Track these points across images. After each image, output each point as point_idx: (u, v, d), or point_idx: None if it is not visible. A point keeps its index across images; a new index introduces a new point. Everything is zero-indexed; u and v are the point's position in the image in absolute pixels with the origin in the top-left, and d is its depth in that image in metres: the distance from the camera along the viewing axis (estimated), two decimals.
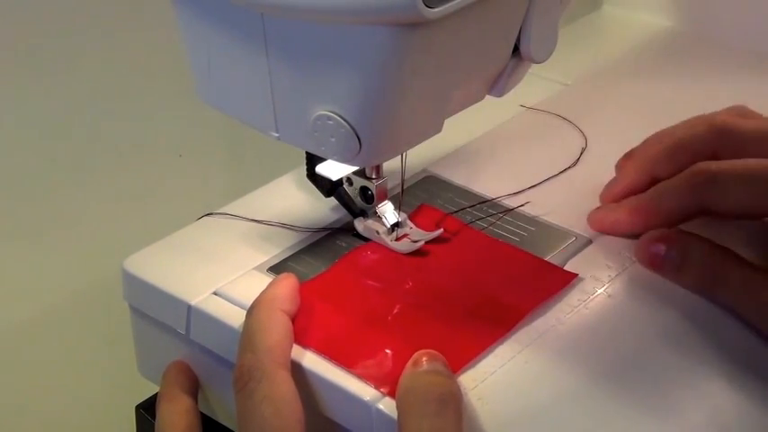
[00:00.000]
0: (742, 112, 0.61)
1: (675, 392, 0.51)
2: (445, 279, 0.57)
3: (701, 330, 0.54)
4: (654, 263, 0.56)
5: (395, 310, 0.55)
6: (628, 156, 0.63)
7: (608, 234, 0.60)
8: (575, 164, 0.67)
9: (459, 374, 0.51)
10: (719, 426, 0.50)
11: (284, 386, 0.49)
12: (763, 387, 0.52)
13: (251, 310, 0.53)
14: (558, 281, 0.57)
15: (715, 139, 0.58)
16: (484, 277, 0.57)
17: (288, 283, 0.54)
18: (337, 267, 0.58)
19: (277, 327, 0.51)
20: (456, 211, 0.63)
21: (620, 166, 0.63)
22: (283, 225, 0.62)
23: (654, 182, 0.60)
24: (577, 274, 0.57)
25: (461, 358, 0.52)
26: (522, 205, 0.63)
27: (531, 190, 0.65)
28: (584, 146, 0.69)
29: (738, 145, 0.57)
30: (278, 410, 0.48)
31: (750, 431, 0.50)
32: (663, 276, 0.57)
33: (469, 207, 0.63)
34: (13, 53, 0.70)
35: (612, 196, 0.62)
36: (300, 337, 0.53)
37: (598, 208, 0.61)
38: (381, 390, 0.50)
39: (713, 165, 0.56)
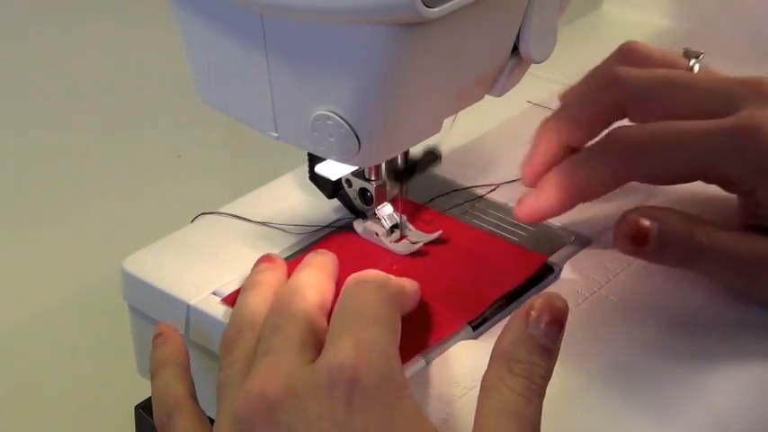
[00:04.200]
0: (633, 55, 0.60)
1: (675, 392, 0.51)
2: (414, 265, 0.57)
3: (701, 330, 0.54)
4: (638, 242, 0.54)
5: None
6: (542, 124, 0.61)
7: (540, 221, 0.59)
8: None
9: (423, 357, 0.52)
10: (720, 426, 0.50)
11: None
12: (764, 387, 0.52)
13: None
14: (528, 266, 0.57)
15: (616, 94, 0.57)
16: (451, 263, 0.58)
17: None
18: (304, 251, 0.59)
19: None
20: (449, 208, 0.63)
21: (536, 136, 0.61)
22: (271, 225, 0.62)
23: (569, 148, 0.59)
24: (546, 258, 0.58)
25: (425, 341, 0.53)
26: None
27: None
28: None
29: (642, 95, 0.57)
30: None
31: (750, 431, 0.50)
32: (641, 257, 0.55)
33: (467, 205, 0.64)
34: (12, 53, 0.70)
35: (532, 170, 0.60)
36: None
37: (522, 198, 0.58)
38: None
39: (633, 132, 0.55)
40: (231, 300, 0.55)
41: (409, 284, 0.53)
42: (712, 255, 0.53)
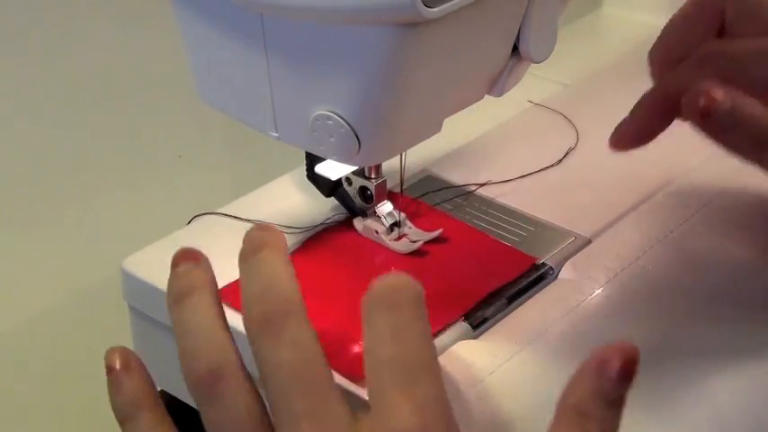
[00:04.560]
0: None
1: (675, 392, 0.51)
2: (413, 264, 0.58)
3: (701, 330, 0.54)
4: (707, 113, 0.49)
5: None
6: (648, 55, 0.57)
7: (635, 146, 0.54)
8: (558, 163, 0.68)
9: None
10: (719, 425, 0.50)
11: None
12: (764, 387, 0.52)
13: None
14: (519, 266, 0.58)
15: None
16: (450, 263, 0.58)
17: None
18: (303, 249, 0.60)
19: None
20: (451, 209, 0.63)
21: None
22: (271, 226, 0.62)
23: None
24: (536, 259, 0.58)
25: None
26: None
27: (530, 190, 0.65)
28: (572, 145, 0.69)
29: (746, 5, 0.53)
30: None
31: (750, 431, 0.50)
32: (706, 130, 0.50)
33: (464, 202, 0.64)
34: (12, 53, 0.70)
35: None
36: None
37: (616, 127, 0.55)
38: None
39: (721, 45, 0.53)
40: (225, 293, 0.55)
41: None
42: None
